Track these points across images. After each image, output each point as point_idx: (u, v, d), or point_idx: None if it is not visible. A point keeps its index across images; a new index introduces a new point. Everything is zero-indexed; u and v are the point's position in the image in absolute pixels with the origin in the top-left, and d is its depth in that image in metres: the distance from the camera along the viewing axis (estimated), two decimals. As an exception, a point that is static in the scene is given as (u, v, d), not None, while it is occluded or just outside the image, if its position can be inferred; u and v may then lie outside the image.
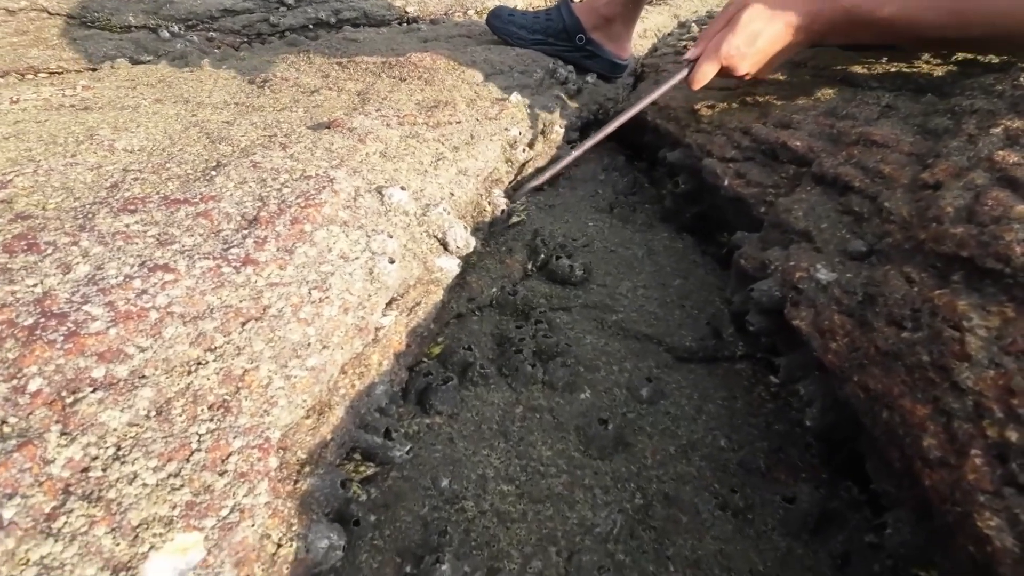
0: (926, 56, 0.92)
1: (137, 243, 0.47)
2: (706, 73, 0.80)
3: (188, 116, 0.97)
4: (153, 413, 0.36)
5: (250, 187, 0.59)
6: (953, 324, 0.38)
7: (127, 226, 0.49)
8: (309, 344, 0.43)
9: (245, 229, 0.50)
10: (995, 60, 0.81)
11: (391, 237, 0.55)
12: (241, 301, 0.43)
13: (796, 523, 0.52)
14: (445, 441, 0.58)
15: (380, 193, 0.62)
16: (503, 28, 1.42)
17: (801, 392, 0.53)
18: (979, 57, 0.85)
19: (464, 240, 0.64)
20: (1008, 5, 0.66)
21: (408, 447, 0.52)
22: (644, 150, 1.18)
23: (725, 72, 0.81)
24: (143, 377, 0.37)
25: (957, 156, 0.55)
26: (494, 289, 0.78)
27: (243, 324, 0.42)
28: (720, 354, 0.74)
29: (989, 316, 0.37)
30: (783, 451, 0.61)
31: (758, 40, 0.75)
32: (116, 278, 0.42)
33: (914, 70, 0.85)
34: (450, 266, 0.61)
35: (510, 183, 0.94)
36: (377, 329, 0.51)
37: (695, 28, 1.76)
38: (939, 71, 0.83)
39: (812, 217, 0.62)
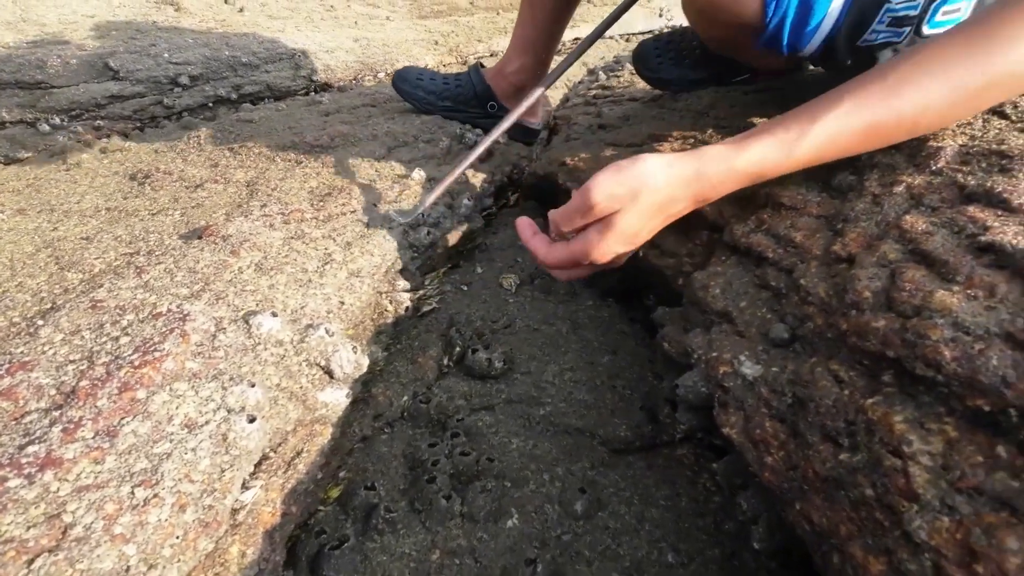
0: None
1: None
2: (573, 277, 0.68)
3: (47, 231, 0.85)
4: None
5: (81, 339, 0.49)
6: (892, 449, 0.33)
7: None
8: (128, 570, 0.33)
9: (57, 409, 0.40)
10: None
11: (253, 386, 0.46)
12: (29, 528, 0.33)
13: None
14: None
15: (247, 323, 0.53)
16: (411, 93, 1.34)
17: (744, 506, 0.47)
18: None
19: (353, 363, 0.55)
20: (925, 100, 0.52)
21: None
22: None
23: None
24: None
25: (865, 221, 0.52)
26: (404, 398, 0.69)
27: (29, 563, 0.32)
28: (659, 439, 0.68)
29: (930, 437, 0.32)
30: (736, 557, 0.54)
31: (638, 239, 0.61)
32: None
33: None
34: (336, 398, 0.53)
35: (417, 269, 0.86)
36: (236, 511, 0.41)
37: (603, 76, 1.78)
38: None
39: (730, 294, 0.57)
